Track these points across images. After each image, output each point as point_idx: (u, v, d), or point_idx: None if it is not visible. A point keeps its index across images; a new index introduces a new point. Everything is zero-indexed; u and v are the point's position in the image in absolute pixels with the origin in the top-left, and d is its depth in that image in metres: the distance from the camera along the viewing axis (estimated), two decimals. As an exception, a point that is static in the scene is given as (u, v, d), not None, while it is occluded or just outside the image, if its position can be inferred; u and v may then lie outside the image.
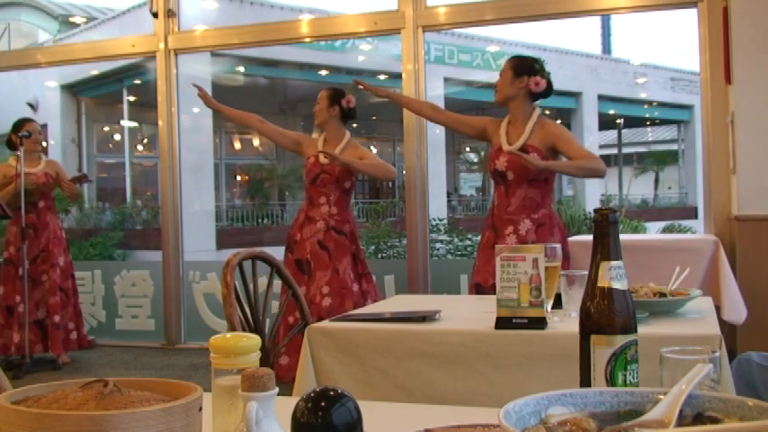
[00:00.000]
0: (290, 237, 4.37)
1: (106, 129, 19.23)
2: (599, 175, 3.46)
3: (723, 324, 3.64)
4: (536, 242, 3.36)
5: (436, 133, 15.78)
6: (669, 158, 27.25)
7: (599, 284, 1.08)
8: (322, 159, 4.32)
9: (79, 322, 5.60)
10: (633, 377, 1.06)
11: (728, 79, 4.56)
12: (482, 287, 3.49)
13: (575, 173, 3.56)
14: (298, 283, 4.16)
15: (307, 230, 4.30)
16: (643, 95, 22.83)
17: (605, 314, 1.07)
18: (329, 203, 4.31)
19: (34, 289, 5.35)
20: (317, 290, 4.18)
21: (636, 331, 1.08)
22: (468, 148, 24.50)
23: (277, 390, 0.87)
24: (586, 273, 1.12)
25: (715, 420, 0.80)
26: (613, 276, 1.08)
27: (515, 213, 3.48)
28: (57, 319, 5.34)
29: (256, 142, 20.57)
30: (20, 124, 5.46)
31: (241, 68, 16.10)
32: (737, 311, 4.02)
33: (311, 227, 4.30)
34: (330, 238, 4.26)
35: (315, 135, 4.63)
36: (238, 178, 20.94)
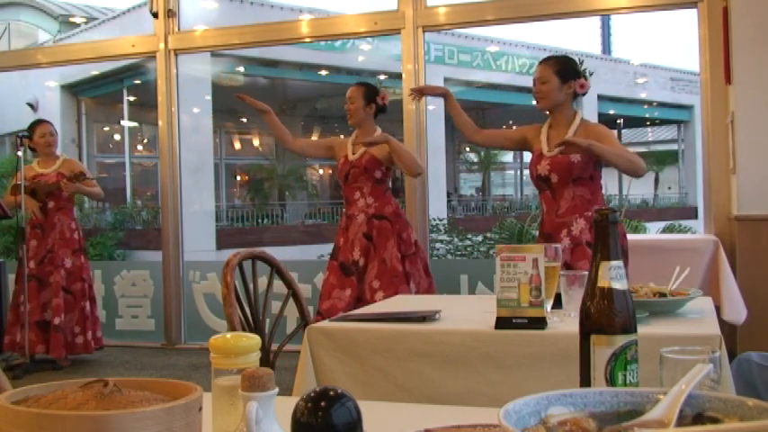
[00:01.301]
0: (335, 243, 4.33)
1: (106, 129, 19.24)
2: (637, 170, 3.29)
3: (723, 324, 3.64)
4: (590, 241, 3.23)
5: (436, 133, 15.79)
6: (669, 158, 27.26)
7: (599, 284, 1.08)
8: (350, 155, 4.28)
9: (87, 326, 5.47)
10: (633, 377, 1.06)
11: (728, 79, 4.56)
12: None
13: (615, 160, 3.30)
14: (343, 286, 4.16)
15: (351, 231, 4.24)
16: (643, 95, 22.84)
17: (605, 314, 1.07)
18: (364, 196, 4.24)
19: (42, 290, 5.33)
20: (368, 285, 4.10)
21: (636, 331, 1.08)
22: (468, 149, 24.49)
23: (277, 390, 0.87)
24: (586, 273, 1.12)
25: (715, 420, 0.80)
26: (613, 276, 1.08)
27: (567, 215, 3.36)
28: (57, 321, 5.31)
29: (256, 142, 20.58)
30: (32, 126, 5.49)
31: (241, 68, 16.10)
32: (737, 311, 4.02)
33: (354, 224, 4.23)
34: (372, 227, 4.18)
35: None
36: (238, 178, 20.94)
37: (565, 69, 3.44)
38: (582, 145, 3.19)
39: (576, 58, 3.59)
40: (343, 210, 4.37)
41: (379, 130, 4.36)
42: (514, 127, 3.84)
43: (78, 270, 5.48)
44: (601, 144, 3.25)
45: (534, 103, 3.51)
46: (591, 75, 3.54)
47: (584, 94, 3.52)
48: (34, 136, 5.45)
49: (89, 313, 5.52)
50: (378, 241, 4.16)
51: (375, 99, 4.32)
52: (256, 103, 4.33)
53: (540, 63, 3.50)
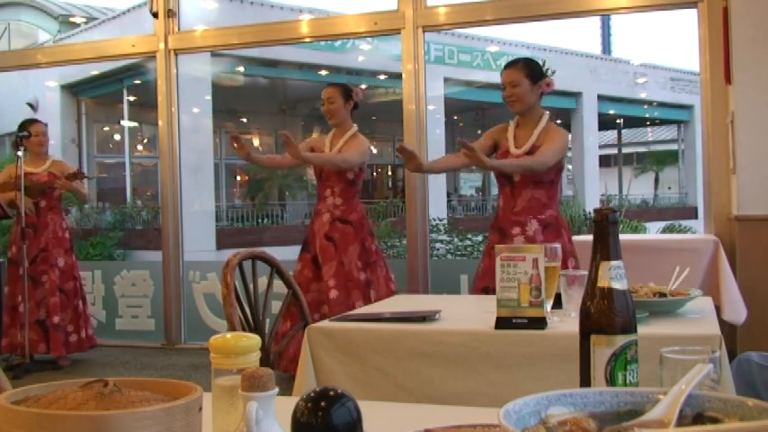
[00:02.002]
0: (306, 237, 4.48)
1: (106, 129, 19.23)
2: (534, 170, 3.42)
3: (723, 324, 3.64)
4: (544, 242, 3.27)
5: (436, 133, 15.79)
6: (669, 158, 27.25)
7: (599, 284, 1.08)
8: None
9: (80, 324, 5.52)
10: (633, 377, 1.06)
11: (728, 79, 4.56)
12: (491, 290, 3.46)
13: (513, 170, 3.50)
14: (315, 280, 4.25)
15: (316, 225, 4.41)
16: (643, 95, 22.83)
17: (605, 314, 1.07)
18: (333, 195, 4.39)
19: (35, 289, 5.34)
20: (324, 283, 4.26)
21: (636, 331, 1.08)
22: (468, 149, 24.43)
23: (277, 390, 0.87)
24: (586, 273, 1.12)
25: (715, 420, 0.80)
26: (613, 276, 1.08)
27: (522, 214, 3.48)
28: (56, 320, 5.33)
29: (256, 142, 20.57)
30: (23, 125, 5.48)
31: (241, 68, 16.10)
32: (737, 311, 4.02)
33: (319, 220, 4.40)
34: (335, 229, 4.34)
35: (315, 135, 4.68)
36: (238, 178, 20.93)
37: (533, 71, 3.55)
38: (485, 164, 3.34)
39: (539, 60, 3.75)
40: (315, 204, 4.55)
41: (354, 127, 4.52)
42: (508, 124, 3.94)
43: (70, 269, 5.52)
44: (497, 162, 3.46)
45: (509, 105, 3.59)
46: (554, 73, 3.66)
47: (549, 93, 3.63)
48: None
49: (81, 312, 5.56)
50: (339, 244, 4.31)
51: (351, 96, 4.51)
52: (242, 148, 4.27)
53: (508, 68, 3.59)
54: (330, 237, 4.33)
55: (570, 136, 3.58)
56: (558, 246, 2.11)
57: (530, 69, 3.54)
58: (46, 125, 5.66)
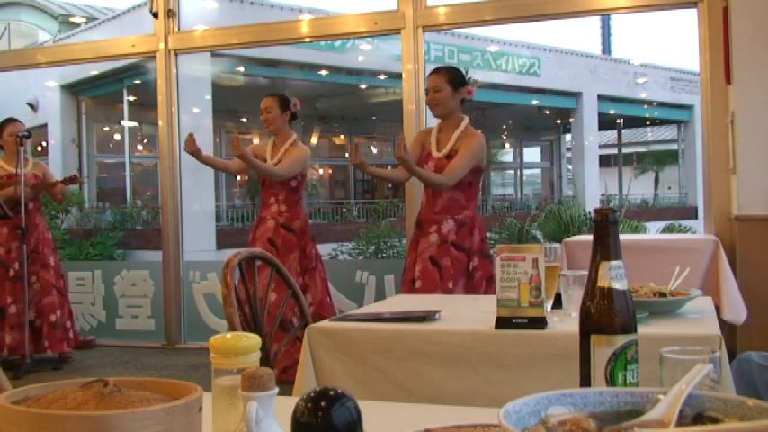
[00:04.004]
0: (248, 240, 4.71)
1: (106, 129, 19.23)
2: (441, 187, 3.74)
3: (723, 324, 3.64)
4: (455, 241, 3.73)
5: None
6: (669, 158, 27.28)
7: (599, 284, 1.08)
8: (269, 161, 4.62)
9: (72, 321, 5.63)
10: (633, 377, 1.06)
11: (728, 79, 4.56)
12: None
13: (425, 182, 3.82)
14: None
15: (259, 230, 4.62)
16: (643, 95, 22.84)
17: (605, 314, 1.07)
18: (278, 202, 4.60)
19: (29, 289, 5.32)
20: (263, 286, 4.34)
21: (636, 331, 1.08)
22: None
23: (277, 390, 0.87)
24: (586, 273, 1.12)
25: (715, 420, 0.80)
26: (613, 276, 1.08)
27: (440, 213, 3.77)
28: (53, 318, 5.34)
29: (256, 142, 20.56)
30: (1, 124, 5.44)
31: (241, 68, 16.10)
32: (737, 311, 4.02)
33: (263, 227, 4.61)
34: (278, 236, 4.54)
35: (256, 141, 4.77)
36: (238, 178, 20.91)
37: (455, 78, 3.82)
38: (409, 165, 3.65)
39: (462, 69, 4.04)
40: (258, 210, 4.77)
41: (294, 136, 4.73)
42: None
43: (59, 267, 5.59)
44: (419, 170, 3.72)
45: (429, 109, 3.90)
46: (476, 83, 3.93)
47: (470, 100, 3.89)
48: (3, 134, 5.41)
49: (71, 309, 5.65)
50: (281, 250, 4.49)
51: (289, 106, 4.71)
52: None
53: (432, 74, 3.87)
54: (273, 242, 4.52)
55: (483, 140, 3.87)
56: (558, 245, 2.12)
57: (451, 76, 3.81)
58: (23, 124, 5.56)
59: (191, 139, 4.43)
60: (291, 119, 4.74)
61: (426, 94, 3.85)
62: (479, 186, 3.95)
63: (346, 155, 22.54)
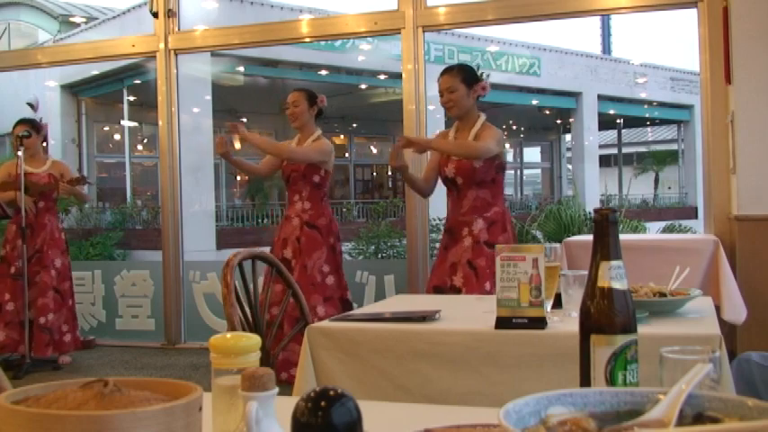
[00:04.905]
0: (273, 240, 4.63)
1: (106, 129, 19.23)
2: (470, 153, 3.59)
3: (723, 324, 3.64)
4: (489, 240, 3.61)
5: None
6: (669, 158, 27.27)
7: (599, 284, 1.08)
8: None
9: (74, 325, 5.57)
10: (633, 377, 1.06)
11: (728, 79, 4.56)
12: (441, 288, 3.66)
13: (452, 152, 3.69)
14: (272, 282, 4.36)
15: (284, 230, 4.54)
16: (643, 95, 22.84)
17: (605, 314, 1.07)
18: (302, 200, 4.51)
19: (28, 289, 5.32)
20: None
21: (636, 331, 1.08)
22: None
23: (277, 390, 0.87)
24: (586, 273, 1.12)
25: (715, 420, 0.80)
26: (613, 276, 1.08)
27: (468, 214, 3.67)
28: (42, 321, 5.29)
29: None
30: (15, 125, 5.47)
31: (241, 68, 16.10)
32: (737, 311, 4.01)
33: (288, 225, 4.53)
34: (303, 234, 4.46)
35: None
36: (238, 178, 20.92)
37: (468, 76, 3.72)
38: (421, 143, 3.66)
39: (473, 65, 3.94)
40: (285, 209, 4.70)
41: (319, 131, 4.62)
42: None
43: (65, 270, 5.54)
44: (437, 140, 3.74)
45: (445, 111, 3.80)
46: (488, 77, 3.87)
47: (485, 96, 3.79)
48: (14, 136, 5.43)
49: (75, 312, 5.61)
50: (305, 247, 4.43)
51: (316, 102, 4.63)
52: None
53: (444, 74, 3.76)
54: (298, 240, 4.47)
55: (502, 134, 3.77)
56: (558, 245, 2.12)
57: (464, 74, 3.72)
58: (31, 124, 5.54)
59: (222, 141, 4.38)
60: (318, 115, 4.65)
61: (440, 96, 3.74)
62: (503, 183, 3.82)
63: (346, 155, 22.56)
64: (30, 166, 5.40)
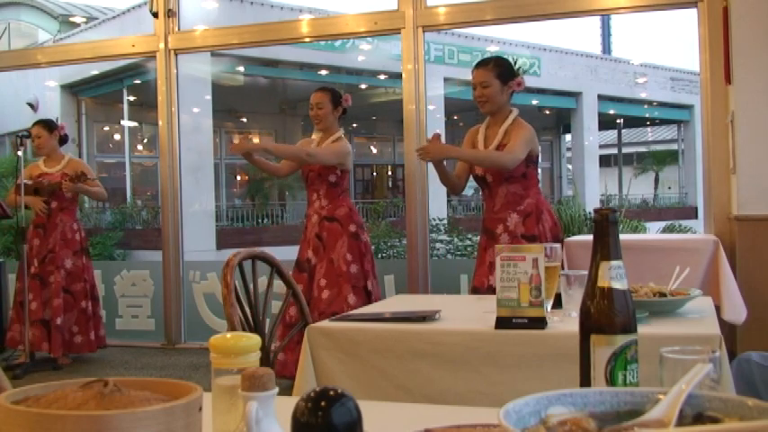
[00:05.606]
0: (300, 246, 4.58)
1: (106, 129, 19.24)
2: (497, 165, 3.48)
3: (723, 324, 3.63)
4: (525, 233, 3.49)
5: (436, 132, 15.76)
6: (669, 158, 27.26)
7: (599, 284, 1.08)
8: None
9: (89, 326, 5.48)
10: (633, 377, 1.06)
11: (728, 79, 4.56)
12: (478, 289, 3.58)
13: (476, 162, 3.57)
14: (297, 282, 4.32)
15: (307, 230, 4.53)
16: (643, 95, 22.84)
17: (605, 314, 1.07)
18: (320, 198, 4.48)
19: (43, 289, 5.36)
20: (317, 284, 4.34)
21: (636, 331, 1.08)
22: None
23: (277, 390, 0.87)
24: (586, 273, 1.12)
25: (715, 420, 0.80)
26: (613, 276, 1.08)
27: (502, 211, 3.55)
28: (59, 321, 5.33)
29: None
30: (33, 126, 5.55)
31: (241, 68, 16.10)
32: (737, 311, 4.01)
33: (309, 224, 4.52)
34: (323, 228, 4.43)
35: (313, 136, 4.67)
36: (238, 178, 20.93)
37: (504, 71, 3.55)
38: (447, 153, 3.57)
39: (510, 58, 3.71)
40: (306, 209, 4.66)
41: (340, 131, 4.56)
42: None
43: (79, 271, 5.49)
44: (460, 150, 3.63)
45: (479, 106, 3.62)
46: (525, 72, 3.68)
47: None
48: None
49: (91, 313, 5.53)
50: (327, 241, 4.39)
51: (341, 102, 4.51)
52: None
53: (478, 68, 3.58)
54: (319, 235, 4.43)
55: (533, 131, 3.60)
56: (557, 245, 2.11)
57: (500, 69, 3.55)
58: (46, 126, 5.56)
59: (243, 141, 4.41)
60: (342, 114, 4.56)
61: (473, 90, 3.57)
62: (537, 175, 3.69)
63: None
64: (46, 166, 5.47)
